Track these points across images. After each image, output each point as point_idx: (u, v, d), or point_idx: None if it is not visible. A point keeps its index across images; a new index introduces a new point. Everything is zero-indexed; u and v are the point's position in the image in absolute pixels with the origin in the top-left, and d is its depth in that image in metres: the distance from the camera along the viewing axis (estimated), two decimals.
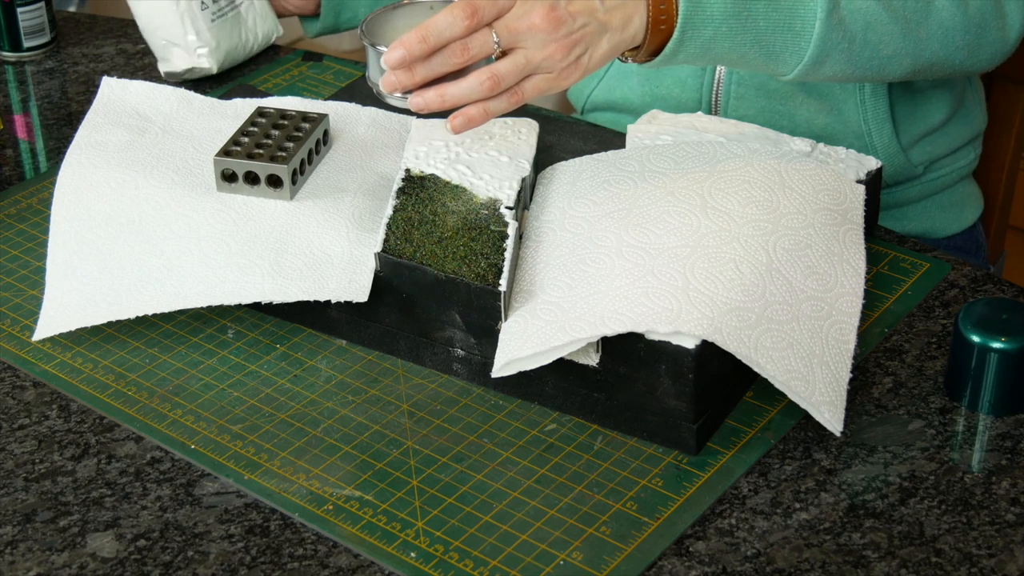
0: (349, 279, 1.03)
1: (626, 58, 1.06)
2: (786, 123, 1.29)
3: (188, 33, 1.40)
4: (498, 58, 0.99)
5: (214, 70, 1.42)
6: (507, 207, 1.04)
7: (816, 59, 1.09)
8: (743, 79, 1.29)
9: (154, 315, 1.08)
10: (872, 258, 1.13)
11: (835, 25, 1.08)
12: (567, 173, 1.12)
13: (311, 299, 1.03)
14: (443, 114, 1.14)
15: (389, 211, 1.05)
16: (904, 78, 1.17)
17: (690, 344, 0.92)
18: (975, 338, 0.96)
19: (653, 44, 1.04)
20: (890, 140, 1.28)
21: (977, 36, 1.16)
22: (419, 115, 1.07)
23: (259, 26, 1.46)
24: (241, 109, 1.24)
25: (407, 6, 1.06)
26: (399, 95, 1.01)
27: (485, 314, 0.99)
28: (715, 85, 1.30)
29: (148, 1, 1.40)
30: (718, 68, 1.30)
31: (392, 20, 1.06)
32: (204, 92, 1.40)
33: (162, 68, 1.43)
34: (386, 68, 0.99)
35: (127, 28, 1.56)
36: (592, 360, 0.96)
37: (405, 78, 0.99)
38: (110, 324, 1.08)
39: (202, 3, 1.39)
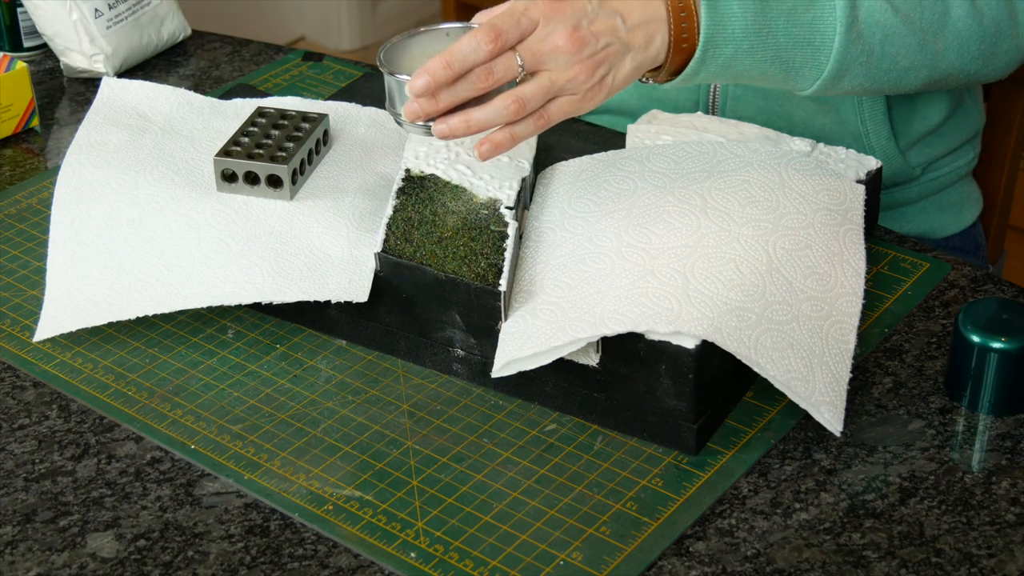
0: (349, 279, 1.03)
1: (647, 79, 1.06)
2: (784, 124, 1.29)
3: (83, 41, 1.43)
4: (522, 82, 0.98)
5: (111, 74, 1.44)
6: (507, 207, 1.04)
7: (836, 73, 1.09)
8: None
9: (154, 315, 1.08)
10: (872, 258, 1.13)
11: (854, 39, 1.08)
12: (567, 173, 1.12)
13: (311, 299, 1.03)
14: None
15: (389, 211, 1.05)
16: (920, 89, 1.17)
17: (690, 344, 0.92)
18: (975, 338, 0.96)
19: (675, 64, 1.04)
20: (888, 142, 1.28)
21: (992, 45, 1.16)
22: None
23: (164, 28, 1.50)
24: (241, 109, 1.24)
25: (423, 34, 1.05)
26: (420, 123, 0.99)
27: (485, 314, 0.99)
28: (712, 86, 1.30)
29: (43, 9, 1.43)
30: None
31: (409, 49, 1.05)
32: (204, 92, 1.40)
33: (62, 62, 1.46)
34: (410, 95, 0.98)
35: None
36: (592, 360, 0.96)
37: (429, 106, 0.98)
38: (110, 324, 1.08)
39: (96, 11, 1.41)
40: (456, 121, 0.98)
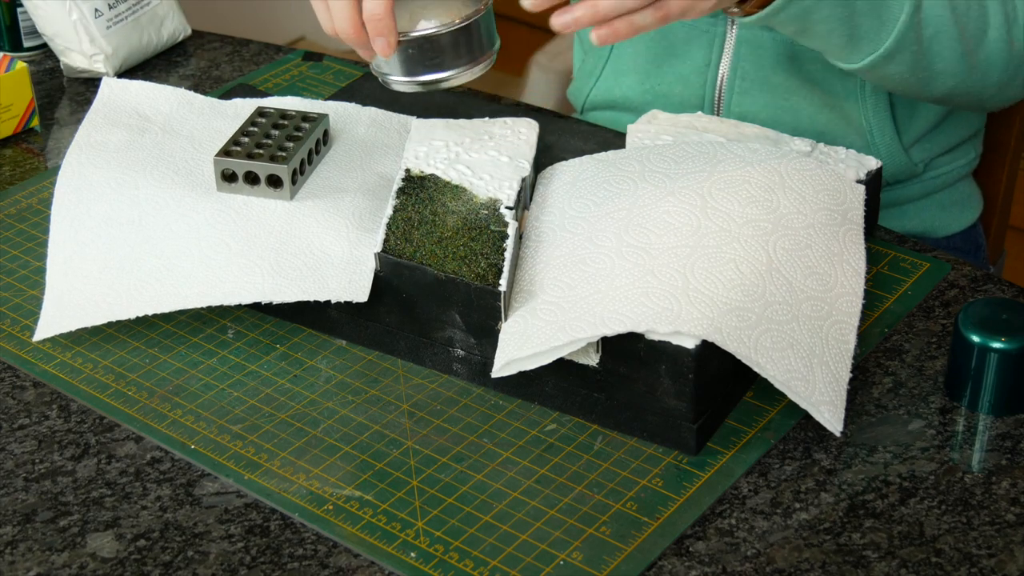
0: (349, 279, 1.03)
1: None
2: (789, 120, 1.29)
3: (83, 41, 1.43)
4: None
5: (111, 74, 1.44)
6: (507, 207, 1.04)
7: (888, 53, 1.13)
8: (747, 75, 1.29)
9: (154, 315, 1.08)
10: (872, 258, 1.13)
11: (915, 24, 1.12)
12: (567, 173, 1.12)
13: (311, 299, 1.03)
14: (445, 112, 1.14)
15: (389, 211, 1.05)
16: (935, 99, 1.21)
17: (690, 344, 0.92)
18: (975, 338, 0.96)
19: None
20: (891, 138, 1.28)
21: (1012, 75, 1.20)
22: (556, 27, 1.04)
23: (164, 28, 1.50)
24: (241, 109, 1.24)
25: None
26: (404, 79, 1.01)
27: (485, 314, 0.99)
28: (719, 82, 1.30)
29: (43, 9, 1.43)
30: (722, 65, 1.30)
31: (405, 5, 1.05)
32: (204, 92, 1.40)
33: (62, 61, 1.46)
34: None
35: None
36: (592, 360, 0.96)
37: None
38: (110, 324, 1.08)
39: (96, 11, 1.42)
40: (581, 11, 0.99)
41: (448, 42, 1.01)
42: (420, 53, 1.01)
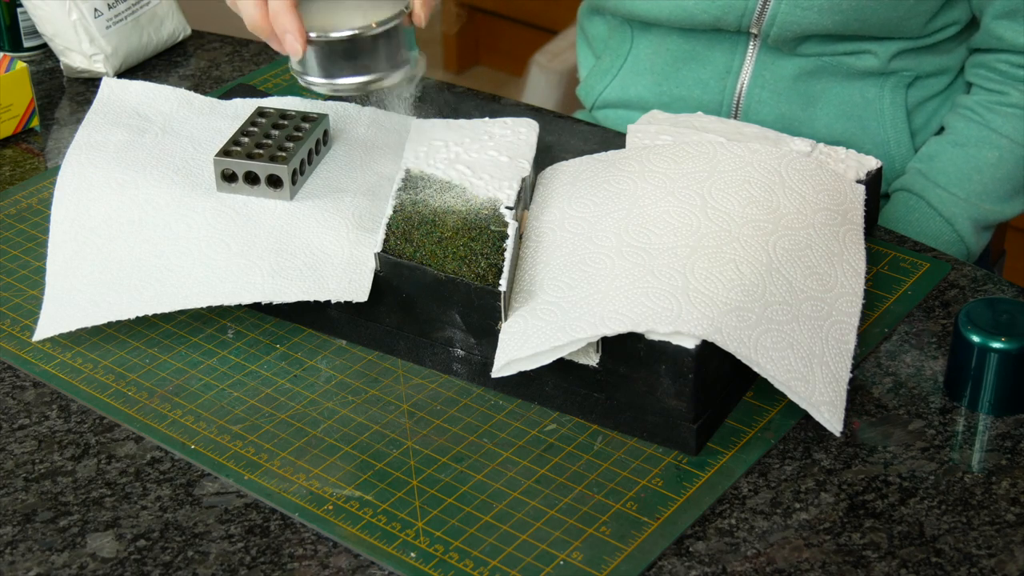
0: (349, 279, 1.03)
1: None
2: (807, 129, 1.30)
3: (82, 41, 1.43)
4: None
5: (111, 74, 1.44)
6: (507, 207, 1.04)
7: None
8: (767, 84, 1.29)
9: (154, 315, 1.08)
10: (872, 258, 1.13)
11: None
12: (567, 173, 1.12)
13: (311, 299, 1.03)
14: (445, 112, 1.14)
15: (389, 211, 1.05)
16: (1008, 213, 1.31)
17: (690, 344, 0.92)
18: (975, 338, 0.96)
19: None
20: (908, 150, 1.29)
21: None
22: None
23: (164, 27, 1.50)
24: (241, 109, 1.24)
25: None
26: (321, 80, 1.03)
27: (485, 314, 0.99)
28: (738, 88, 1.31)
29: (43, 9, 1.43)
30: (743, 72, 1.30)
31: (321, 6, 1.06)
32: (204, 92, 1.40)
33: (62, 61, 1.46)
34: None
35: None
36: (592, 360, 0.96)
37: None
38: (110, 324, 1.08)
39: (96, 11, 1.42)
40: None
41: (361, 47, 1.03)
42: (333, 55, 1.03)
